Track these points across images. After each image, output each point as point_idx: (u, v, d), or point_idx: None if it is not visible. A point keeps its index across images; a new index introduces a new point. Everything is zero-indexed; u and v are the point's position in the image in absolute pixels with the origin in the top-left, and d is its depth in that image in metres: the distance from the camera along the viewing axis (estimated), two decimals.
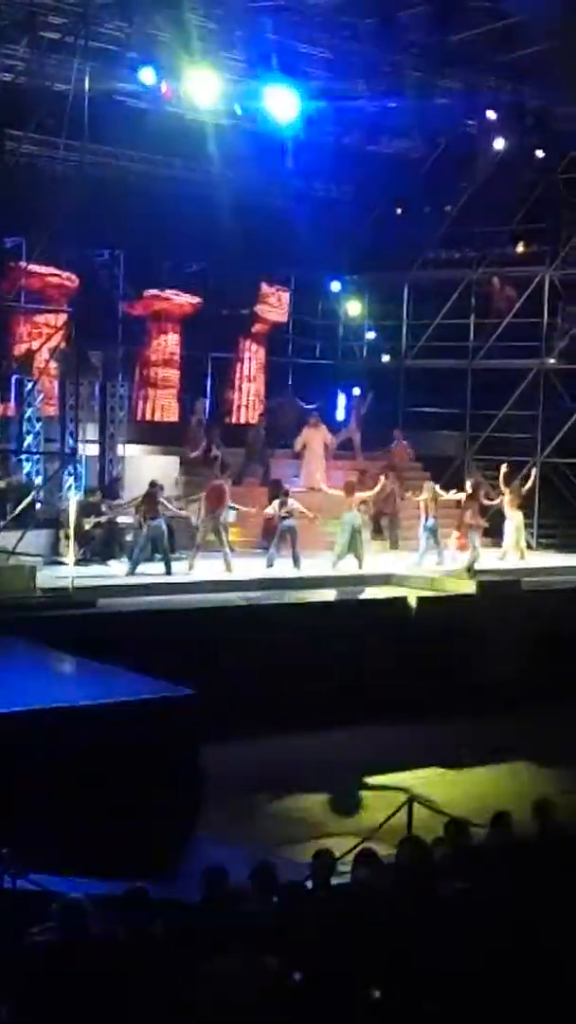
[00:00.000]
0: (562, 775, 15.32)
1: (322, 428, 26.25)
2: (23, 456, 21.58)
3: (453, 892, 7.35)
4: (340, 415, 29.51)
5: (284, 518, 21.54)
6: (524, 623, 20.40)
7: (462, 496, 22.91)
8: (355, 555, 21.80)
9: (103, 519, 21.04)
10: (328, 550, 22.12)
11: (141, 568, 20.04)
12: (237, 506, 21.64)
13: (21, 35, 20.75)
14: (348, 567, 21.78)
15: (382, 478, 24.64)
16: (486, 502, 23.68)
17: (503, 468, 24.28)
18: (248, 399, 28.24)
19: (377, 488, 23.67)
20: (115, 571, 20.17)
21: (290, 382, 29.75)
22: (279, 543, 21.59)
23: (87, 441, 22.50)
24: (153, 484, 20.44)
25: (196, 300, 26.74)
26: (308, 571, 21.47)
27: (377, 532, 24.55)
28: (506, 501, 24.48)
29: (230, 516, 21.41)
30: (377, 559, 22.82)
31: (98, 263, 25.66)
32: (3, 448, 21.51)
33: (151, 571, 20.17)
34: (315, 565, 21.83)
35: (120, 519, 21.28)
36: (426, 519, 22.84)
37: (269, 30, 21.01)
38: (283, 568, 21.37)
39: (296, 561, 21.49)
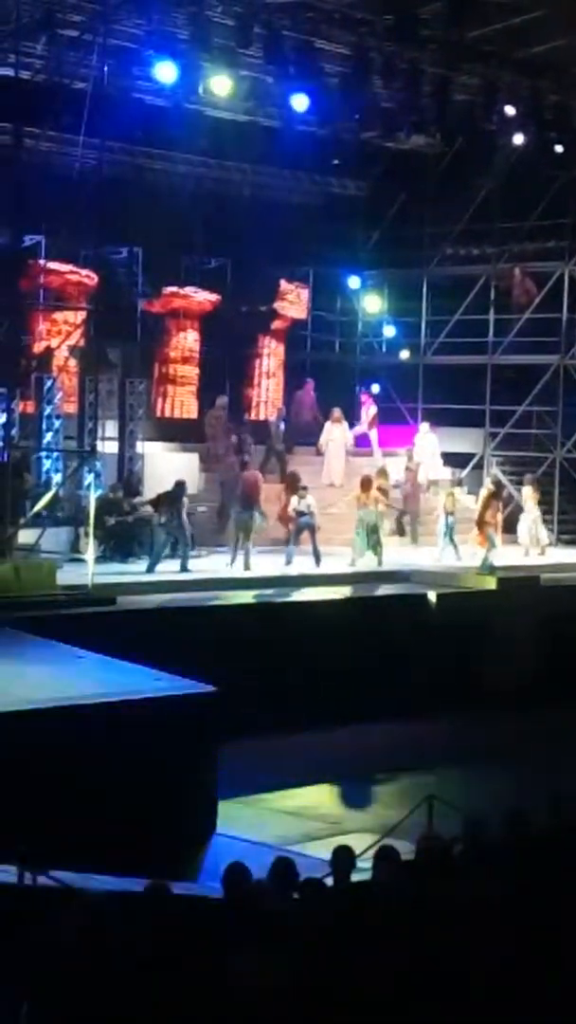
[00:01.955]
0: None
1: (344, 423, 26.27)
2: (43, 453, 21.63)
3: (471, 890, 7.36)
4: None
5: (302, 514, 21.53)
6: (543, 619, 20.37)
7: (483, 495, 22.91)
8: (374, 552, 21.79)
9: (128, 518, 21.09)
10: (347, 546, 22.10)
11: (161, 566, 20.11)
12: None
13: (40, 32, 20.78)
14: (367, 564, 21.78)
15: (405, 471, 24.78)
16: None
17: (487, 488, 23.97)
18: (267, 396, 28.24)
19: (397, 480, 23.83)
20: (135, 568, 20.22)
21: (308, 378, 29.73)
22: (297, 539, 21.60)
23: (106, 438, 22.54)
24: (179, 484, 20.59)
25: (215, 297, 26.74)
26: (327, 568, 21.47)
27: (400, 531, 24.56)
28: (525, 495, 24.51)
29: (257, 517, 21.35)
30: (397, 555, 22.83)
31: (117, 260, 25.66)
32: (23, 445, 21.55)
33: (171, 568, 20.23)
34: (334, 562, 21.85)
35: (141, 516, 21.32)
36: (445, 517, 22.92)
37: (287, 27, 21.00)
38: (303, 565, 21.40)
39: (317, 558, 21.49)
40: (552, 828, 8.48)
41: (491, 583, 21.03)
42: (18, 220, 21.10)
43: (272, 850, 10.94)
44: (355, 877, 7.73)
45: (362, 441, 27.30)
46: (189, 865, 11.32)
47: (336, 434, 26.02)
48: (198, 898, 7.80)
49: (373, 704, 17.32)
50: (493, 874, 7.64)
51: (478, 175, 27.33)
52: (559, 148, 25.11)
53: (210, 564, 21.11)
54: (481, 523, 22.34)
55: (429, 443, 26.69)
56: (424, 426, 27.06)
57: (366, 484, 22.16)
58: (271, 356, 28.50)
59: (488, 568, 21.52)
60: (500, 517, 22.98)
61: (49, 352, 22.75)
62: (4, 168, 20.68)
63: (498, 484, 23.69)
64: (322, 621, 18.84)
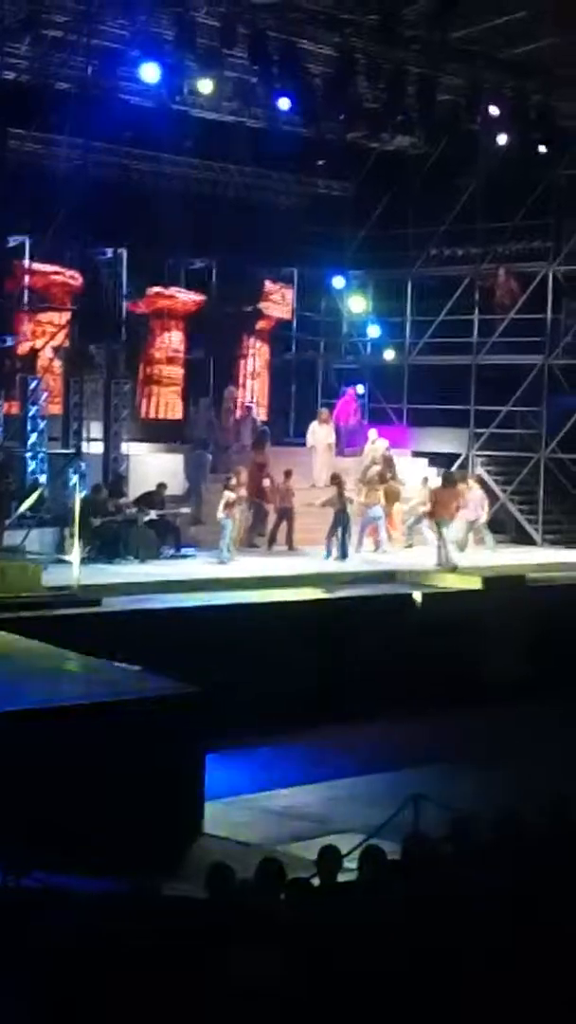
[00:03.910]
0: (568, 771, 15.30)
1: (330, 424, 26.31)
2: (28, 454, 21.61)
3: (459, 890, 7.37)
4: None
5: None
6: (528, 618, 20.40)
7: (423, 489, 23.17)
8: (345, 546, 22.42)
9: (117, 517, 21.12)
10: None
11: (146, 566, 20.23)
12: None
13: (24, 33, 20.79)
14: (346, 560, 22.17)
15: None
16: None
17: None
18: (253, 396, 28.26)
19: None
20: (120, 569, 20.23)
21: (293, 379, 29.81)
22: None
23: (91, 439, 22.53)
24: (160, 486, 21.51)
25: (200, 298, 26.75)
26: (314, 568, 21.54)
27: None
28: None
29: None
30: (380, 556, 22.94)
31: (101, 261, 25.56)
32: (8, 447, 21.53)
33: (156, 569, 20.26)
34: (323, 562, 21.96)
35: (126, 517, 21.33)
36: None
37: (271, 27, 21.02)
38: (286, 565, 21.49)
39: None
40: (543, 828, 8.49)
41: (476, 583, 21.05)
42: (2, 221, 21.09)
43: (258, 850, 10.94)
44: (341, 877, 7.74)
45: (351, 439, 27.43)
46: (175, 866, 11.29)
47: (321, 434, 26.05)
48: (184, 898, 7.79)
49: (358, 704, 17.32)
50: (482, 875, 7.65)
51: (462, 175, 27.35)
52: (543, 148, 25.17)
53: (197, 565, 21.15)
54: (430, 515, 22.27)
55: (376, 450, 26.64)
56: (372, 432, 26.89)
57: (335, 480, 22.93)
58: (256, 356, 28.52)
59: (448, 565, 21.53)
60: (456, 509, 22.64)
61: (34, 353, 22.73)
62: None
63: (447, 478, 23.37)
64: (308, 621, 18.83)
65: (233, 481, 21.88)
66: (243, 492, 22.12)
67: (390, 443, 26.43)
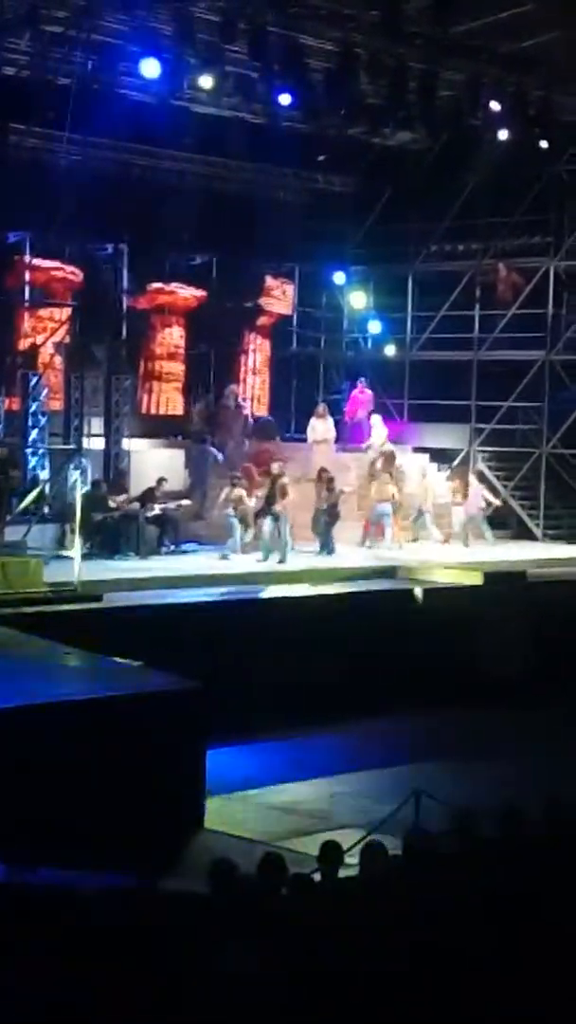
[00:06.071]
0: (570, 769, 15.30)
1: (328, 418, 26.29)
2: (29, 450, 21.61)
3: (460, 886, 7.36)
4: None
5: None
6: (530, 614, 20.39)
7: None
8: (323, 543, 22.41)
9: (117, 513, 21.12)
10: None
11: (147, 562, 20.22)
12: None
13: (24, 28, 20.76)
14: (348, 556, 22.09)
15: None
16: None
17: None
18: (253, 392, 28.25)
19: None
20: (121, 565, 20.23)
21: (295, 374, 29.78)
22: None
23: (92, 435, 22.54)
24: (159, 480, 21.44)
25: (200, 293, 26.74)
26: (313, 563, 21.52)
27: None
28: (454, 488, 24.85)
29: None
30: (383, 551, 22.92)
31: (102, 257, 25.58)
32: (9, 443, 21.52)
33: (157, 565, 20.26)
34: (320, 558, 21.94)
35: (127, 513, 21.33)
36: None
37: (272, 22, 20.97)
38: (295, 561, 21.50)
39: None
40: (544, 825, 8.48)
41: (478, 578, 21.01)
42: (3, 217, 21.08)
43: (260, 846, 10.94)
44: (343, 872, 7.74)
45: (355, 434, 27.42)
46: (177, 861, 11.30)
47: (321, 430, 26.03)
48: (186, 894, 7.79)
49: (360, 700, 17.32)
50: (482, 871, 7.65)
51: (464, 171, 27.31)
52: (544, 144, 25.12)
53: (197, 560, 21.15)
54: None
55: (378, 436, 26.70)
56: (376, 418, 27.01)
57: (322, 474, 22.72)
58: (257, 352, 28.51)
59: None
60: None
61: (35, 349, 22.71)
62: None
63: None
64: (309, 617, 18.83)
65: (240, 478, 21.87)
66: (242, 492, 22.11)
67: (391, 438, 26.48)
